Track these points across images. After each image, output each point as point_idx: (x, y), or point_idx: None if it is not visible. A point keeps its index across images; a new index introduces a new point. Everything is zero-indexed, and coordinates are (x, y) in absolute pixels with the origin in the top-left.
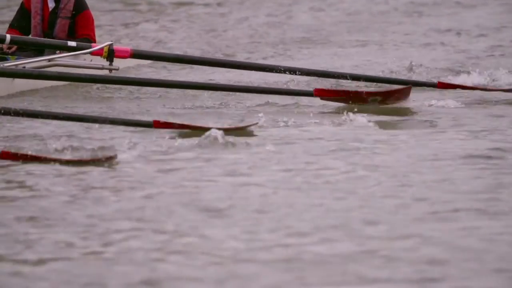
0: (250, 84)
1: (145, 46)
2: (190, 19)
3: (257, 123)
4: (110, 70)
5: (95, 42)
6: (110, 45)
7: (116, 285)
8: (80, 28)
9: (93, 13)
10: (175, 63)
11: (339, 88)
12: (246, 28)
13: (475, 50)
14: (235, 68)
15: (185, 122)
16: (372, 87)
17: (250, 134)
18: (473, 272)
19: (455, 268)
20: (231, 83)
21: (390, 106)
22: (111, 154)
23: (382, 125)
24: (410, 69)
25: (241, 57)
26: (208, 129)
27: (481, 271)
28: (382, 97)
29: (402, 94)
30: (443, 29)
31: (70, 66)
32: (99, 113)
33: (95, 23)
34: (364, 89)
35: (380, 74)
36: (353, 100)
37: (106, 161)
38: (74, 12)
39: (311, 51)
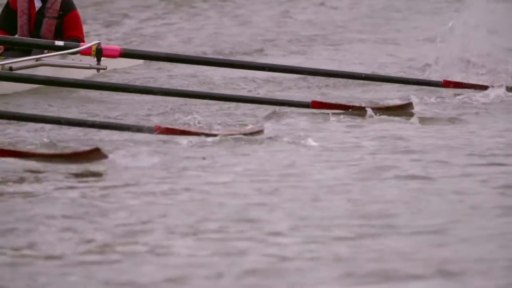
0: (246, 94)
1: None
2: (201, 16)
3: (262, 130)
4: (98, 69)
5: (83, 42)
6: (98, 44)
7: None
8: (67, 29)
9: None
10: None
11: (337, 102)
12: (255, 27)
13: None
14: (229, 67)
15: (187, 128)
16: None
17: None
18: None
19: None
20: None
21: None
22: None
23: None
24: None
25: (249, 57)
26: (210, 135)
27: None
28: (381, 111)
29: (403, 109)
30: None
31: (57, 66)
32: (98, 117)
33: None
34: (364, 105)
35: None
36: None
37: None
38: (61, 13)
39: (325, 49)
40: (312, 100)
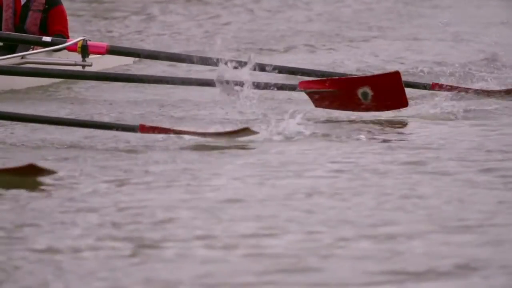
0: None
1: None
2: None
3: (247, 128)
4: (83, 66)
5: (68, 38)
6: (84, 40)
7: None
8: (52, 24)
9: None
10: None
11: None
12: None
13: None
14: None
15: (172, 127)
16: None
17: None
18: None
19: None
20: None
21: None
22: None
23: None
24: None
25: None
26: (195, 133)
27: None
28: (371, 86)
29: (390, 80)
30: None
31: (42, 63)
32: (82, 116)
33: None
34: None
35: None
36: (343, 94)
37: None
38: (46, 6)
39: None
40: (300, 81)
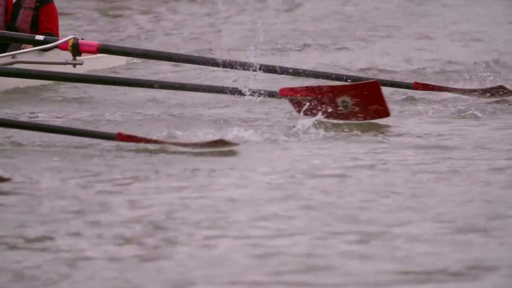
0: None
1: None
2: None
3: (222, 140)
4: (74, 65)
5: (58, 36)
6: (74, 38)
7: None
8: (42, 22)
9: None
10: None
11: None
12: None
13: None
14: (210, 66)
15: (150, 137)
16: None
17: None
18: None
19: None
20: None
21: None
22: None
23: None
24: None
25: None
26: (173, 144)
27: None
28: (351, 95)
29: (369, 90)
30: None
31: (32, 63)
32: (58, 122)
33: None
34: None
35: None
36: (323, 103)
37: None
38: (38, 4)
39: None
40: (281, 88)
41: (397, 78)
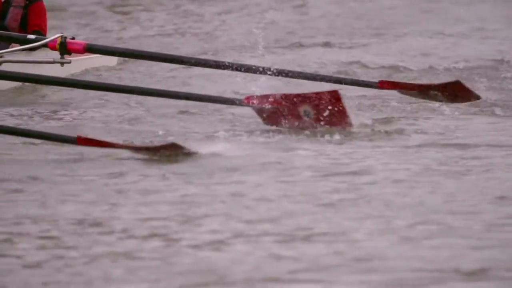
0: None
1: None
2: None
3: (174, 144)
4: (62, 63)
5: (45, 33)
6: (62, 37)
7: None
8: (31, 19)
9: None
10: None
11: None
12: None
13: None
14: (199, 66)
15: (110, 140)
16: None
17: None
18: None
19: None
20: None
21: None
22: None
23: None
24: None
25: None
26: (132, 148)
27: None
28: (311, 105)
29: (329, 99)
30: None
31: (20, 62)
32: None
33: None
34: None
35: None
36: (286, 112)
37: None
38: (27, 2)
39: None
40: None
41: (411, 76)
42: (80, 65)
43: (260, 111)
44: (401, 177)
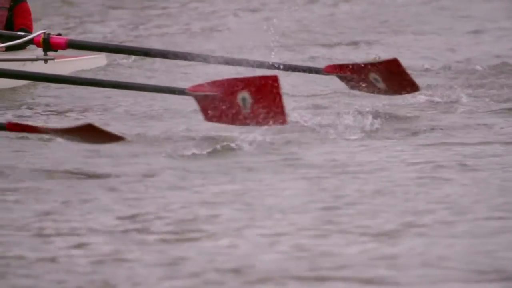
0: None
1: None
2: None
3: (90, 124)
4: (45, 60)
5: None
6: (45, 33)
7: None
8: (17, 19)
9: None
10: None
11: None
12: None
13: None
14: (183, 60)
15: (40, 124)
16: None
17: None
18: None
19: None
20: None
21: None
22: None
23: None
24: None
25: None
26: (52, 131)
27: None
28: (250, 91)
29: (268, 85)
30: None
31: (4, 60)
32: None
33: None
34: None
35: None
36: (224, 101)
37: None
38: (12, 4)
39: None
40: None
41: (428, 76)
42: (70, 66)
43: (200, 101)
44: (421, 174)
